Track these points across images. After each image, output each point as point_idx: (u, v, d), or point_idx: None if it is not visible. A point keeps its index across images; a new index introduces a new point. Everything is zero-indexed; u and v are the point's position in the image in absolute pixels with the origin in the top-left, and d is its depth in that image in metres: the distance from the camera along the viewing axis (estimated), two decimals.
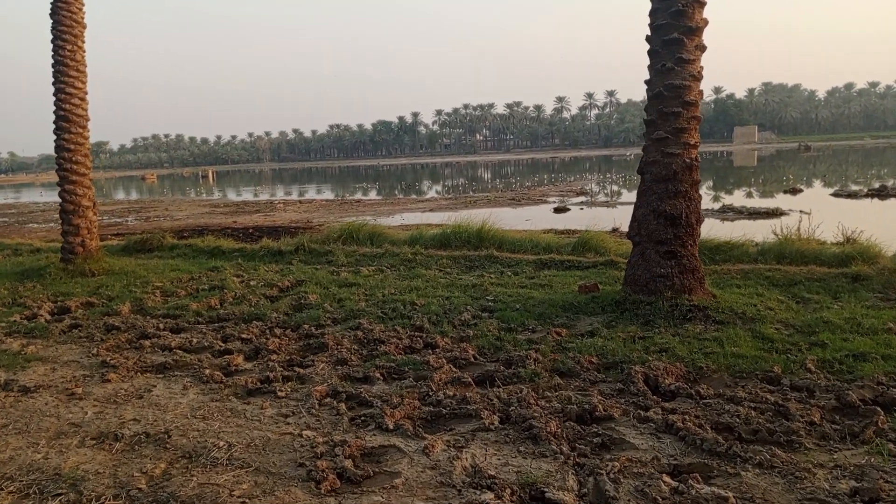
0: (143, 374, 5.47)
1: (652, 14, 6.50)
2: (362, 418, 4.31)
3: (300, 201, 37.64)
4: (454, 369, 5.14)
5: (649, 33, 6.56)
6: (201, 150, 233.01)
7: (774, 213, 20.33)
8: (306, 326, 6.58)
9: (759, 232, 16.59)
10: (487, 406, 4.35)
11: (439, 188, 48.36)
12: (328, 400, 4.65)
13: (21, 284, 9.73)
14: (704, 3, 6.33)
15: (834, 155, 69.47)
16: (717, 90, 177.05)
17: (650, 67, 6.58)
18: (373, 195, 42.78)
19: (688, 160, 6.36)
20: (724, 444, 3.64)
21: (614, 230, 17.81)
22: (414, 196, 39.55)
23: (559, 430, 3.92)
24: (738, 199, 25.53)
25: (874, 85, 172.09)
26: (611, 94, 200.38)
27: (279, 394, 4.81)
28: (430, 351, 5.69)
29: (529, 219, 22.47)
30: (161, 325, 7.01)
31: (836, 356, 4.97)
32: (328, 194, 45.15)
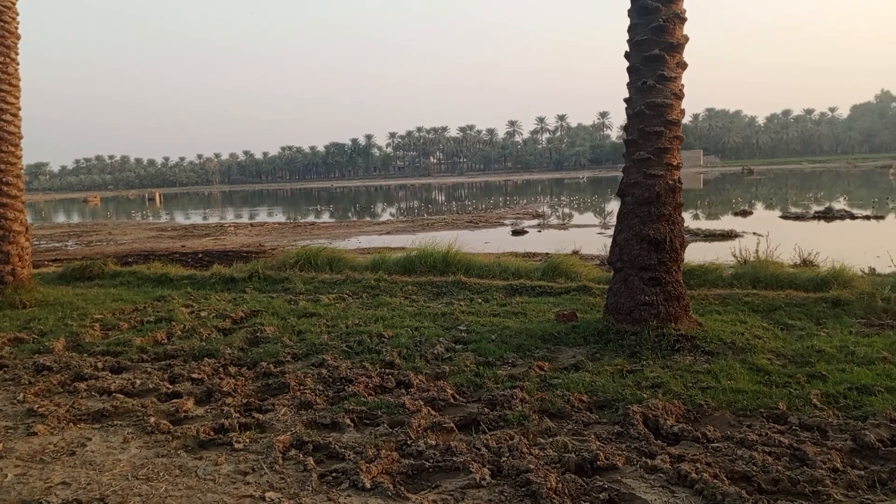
0: (77, 425, 4.79)
1: (631, 30, 6.24)
2: (333, 475, 3.77)
3: (251, 224, 36.60)
4: (433, 412, 4.64)
5: (628, 49, 6.29)
6: (148, 172, 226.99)
7: (729, 236, 20.58)
8: (264, 364, 5.98)
9: (718, 254, 16.59)
10: (475, 457, 3.86)
11: (395, 211, 47.92)
12: (293, 452, 4.09)
13: None
14: (685, 20, 6.11)
15: (775, 178, 71.98)
16: None
17: (630, 85, 6.30)
18: (327, 218, 42.00)
19: (671, 182, 6.08)
20: (748, 499, 3.24)
21: (574, 252, 17.70)
22: (369, 219, 38.98)
23: (560, 485, 3.46)
24: (691, 221, 25.84)
25: (809, 112, 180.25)
26: (561, 118, 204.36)
27: (236, 445, 4.22)
28: (403, 391, 5.18)
29: (488, 241, 22.21)
30: (99, 364, 6.29)
31: (839, 390, 4.68)
32: (281, 217, 44.15)
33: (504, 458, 3.81)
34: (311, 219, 41.23)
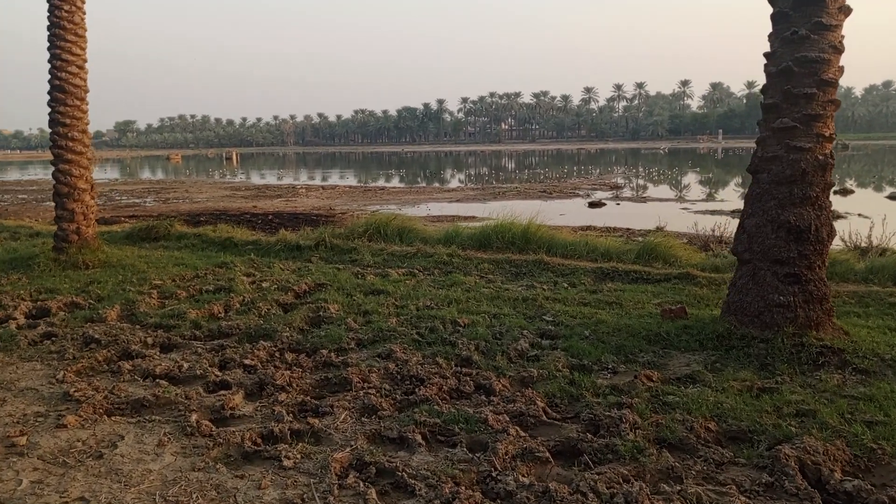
0: (112, 417, 4.19)
1: None
2: None
3: (323, 187, 36.47)
4: (522, 432, 3.79)
5: None
6: (226, 132, 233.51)
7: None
8: (325, 352, 5.26)
9: None
10: None
11: (465, 178, 46.94)
12: (352, 478, 3.33)
13: (5, 276, 8.55)
14: None
15: (872, 154, 66.69)
16: (750, 84, 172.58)
17: (773, 35, 5.13)
18: (397, 182, 41.49)
19: (821, 157, 4.92)
20: None
21: (659, 229, 16.35)
22: (439, 185, 38.17)
23: None
24: None
25: None
26: (640, 86, 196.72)
27: (285, 462, 3.50)
28: (484, 397, 4.35)
29: (564, 213, 21.04)
30: (150, 340, 5.74)
31: None
32: (351, 180, 43.96)
33: None
34: (381, 183, 40.83)
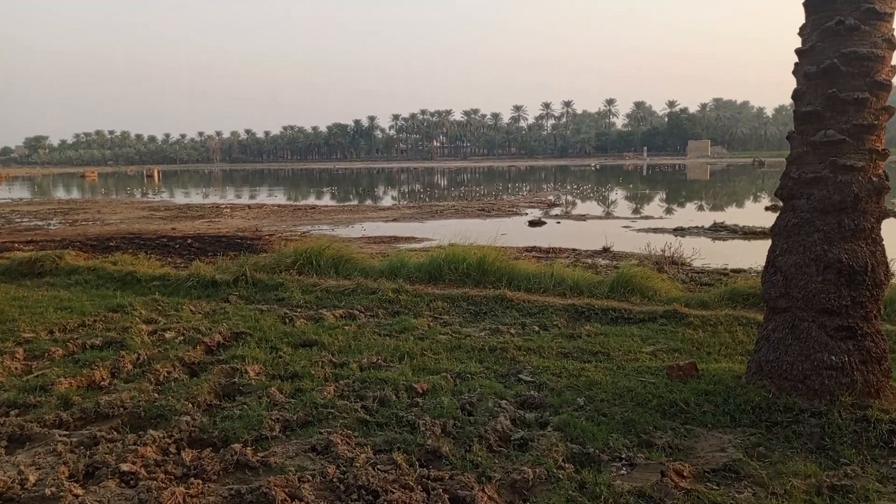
0: None
1: None
2: None
3: (249, 206, 34.32)
4: None
5: None
6: (148, 149, 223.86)
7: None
8: (238, 445, 3.84)
9: (763, 255, 14.63)
10: None
11: (399, 195, 45.70)
12: None
13: None
14: None
15: None
16: (671, 104, 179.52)
17: (808, 27, 4.13)
18: (328, 200, 39.76)
19: (875, 178, 3.93)
20: None
21: (605, 249, 15.57)
22: (374, 203, 36.72)
23: None
24: (719, 216, 23.63)
25: None
26: (567, 104, 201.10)
27: None
28: None
29: (505, 233, 20.02)
30: None
31: None
32: (280, 198, 41.88)
33: None
34: (312, 201, 38.98)
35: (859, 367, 3.89)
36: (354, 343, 5.97)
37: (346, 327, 6.53)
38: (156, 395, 4.74)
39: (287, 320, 6.83)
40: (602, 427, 4.02)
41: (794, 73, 4.24)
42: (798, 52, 4.19)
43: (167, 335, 6.35)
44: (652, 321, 6.48)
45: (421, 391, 4.72)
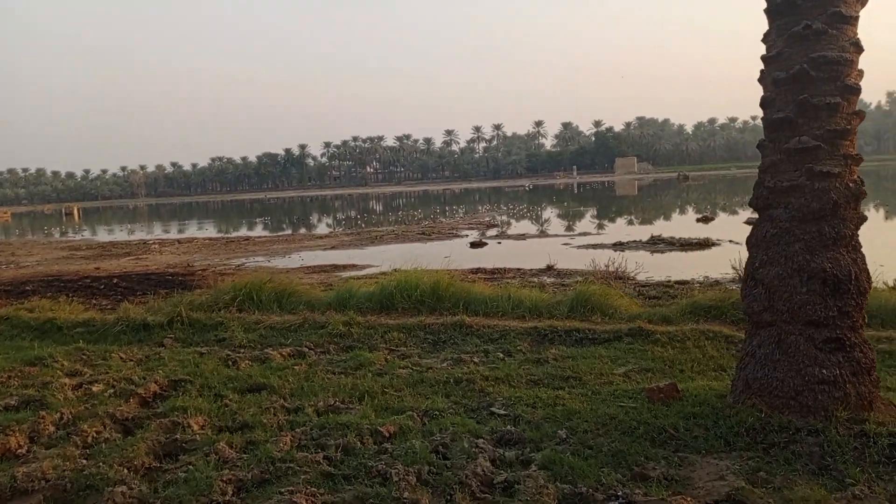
0: None
1: None
2: None
3: (179, 240, 32.87)
4: None
5: None
6: (66, 186, 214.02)
7: (706, 244, 18.97)
8: None
9: (704, 266, 14.84)
10: None
11: (335, 222, 44.95)
12: None
13: None
14: None
15: (710, 184, 72.56)
16: (597, 123, 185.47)
17: (773, 33, 4.02)
18: (261, 231, 38.65)
19: (852, 184, 3.82)
20: None
21: (549, 267, 15.53)
22: (310, 231, 35.88)
23: None
24: (653, 229, 24.13)
25: (733, 120, 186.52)
26: (497, 127, 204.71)
27: None
28: None
29: (447, 255, 19.77)
30: None
31: None
32: (211, 231, 40.42)
33: None
34: (244, 232, 37.82)
35: (851, 380, 3.74)
36: (307, 384, 5.49)
37: (295, 367, 6.04)
38: (84, 461, 4.14)
39: (230, 363, 6.28)
40: (590, 461, 3.71)
41: (761, 80, 4.13)
42: (764, 58, 4.08)
43: (94, 388, 5.69)
44: (618, 340, 6.27)
45: (388, 434, 4.31)
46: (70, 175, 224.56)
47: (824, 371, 3.72)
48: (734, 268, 12.69)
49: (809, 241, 3.78)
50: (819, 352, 3.76)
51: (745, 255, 11.94)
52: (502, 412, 4.62)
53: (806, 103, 3.80)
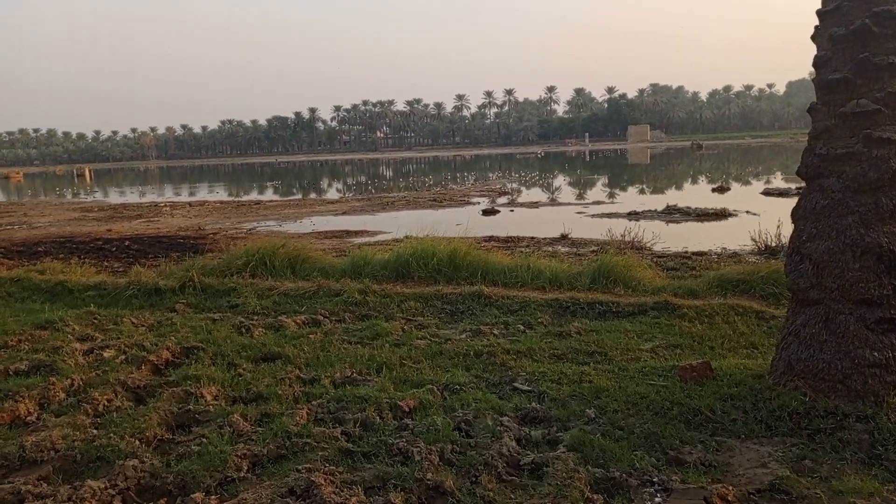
0: None
1: None
2: None
3: (190, 203, 32.76)
4: None
5: None
6: (77, 147, 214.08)
7: (723, 214, 18.55)
8: (199, 496, 3.18)
9: (721, 237, 14.52)
10: None
11: (345, 187, 44.64)
12: None
13: None
14: None
15: (724, 153, 71.40)
16: (611, 90, 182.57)
17: None
18: (272, 195, 38.44)
19: None
20: None
21: (563, 236, 15.28)
22: (321, 197, 35.63)
23: None
24: (670, 198, 23.66)
25: (749, 88, 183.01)
26: (509, 92, 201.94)
27: None
28: None
29: (460, 223, 19.56)
30: None
31: None
32: (223, 194, 40.26)
33: None
34: (255, 196, 37.64)
35: None
36: (323, 354, 5.33)
37: (311, 336, 5.88)
38: (94, 431, 4.01)
39: (244, 330, 6.12)
40: (622, 444, 3.53)
41: (815, 37, 3.83)
42: (820, 13, 3.76)
43: (106, 354, 5.56)
44: (643, 314, 6.05)
45: (408, 409, 4.14)
46: (81, 136, 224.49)
47: (876, 353, 3.49)
48: (754, 240, 12.39)
49: (864, 214, 3.52)
50: (870, 333, 3.53)
51: (763, 226, 11.69)
52: (526, 388, 4.44)
53: (866, 62, 3.50)
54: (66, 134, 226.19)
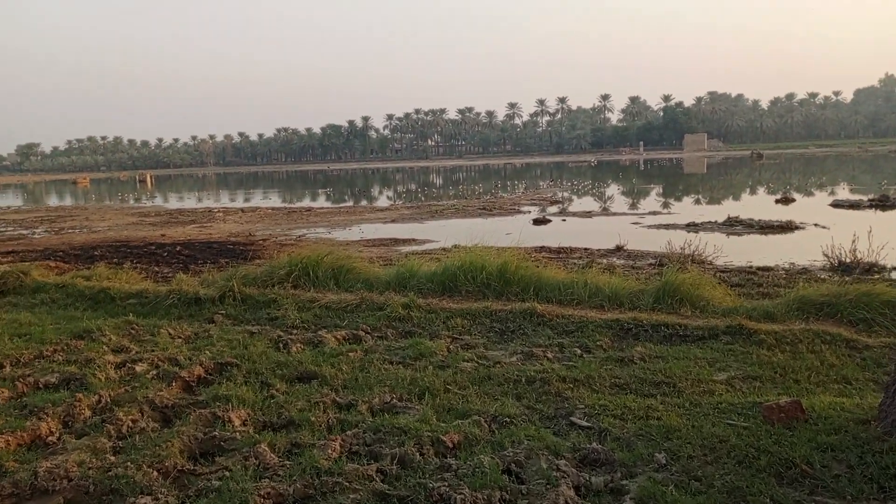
0: None
1: None
2: None
3: (243, 209, 33.24)
4: None
5: None
6: (141, 154, 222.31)
7: (789, 227, 17.48)
8: None
9: (789, 251, 13.57)
10: None
11: (394, 195, 44.66)
12: None
13: None
14: None
15: (786, 162, 68.68)
16: (666, 98, 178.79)
17: None
18: (324, 202, 38.69)
19: None
20: None
21: (619, 248, 14.61)
22: (371, 204, 35.64)
23: None
24: (732, 209, 22.55)
25: (814, 95, 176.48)
26: (562, 100, 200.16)
27: None
28: None
29: (510, 232, 19.08)
30: None
31: None
32: (275, 201, 40.78)
33: None
34: (307, 203, 37.93)
35: None
36: (362, 375, 4.95)
37: (350, 353, 5.50)
38: (112, 457, 3.71)
39: (281, 345, 5.80)
40: (700, 499, 3.00)
41: None
42: None
43: (138, 368, 5.31)
44: (714, 339, 5.45)
45: (451, 445, 3.70)
46: (145, 143, 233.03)
47: None
48: (826, 255, 11.52)
49: None
50: None
51: (835, 240, 10.75)
52: (584, 423, 3.94)
53: None
54: (131, 141, 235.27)
